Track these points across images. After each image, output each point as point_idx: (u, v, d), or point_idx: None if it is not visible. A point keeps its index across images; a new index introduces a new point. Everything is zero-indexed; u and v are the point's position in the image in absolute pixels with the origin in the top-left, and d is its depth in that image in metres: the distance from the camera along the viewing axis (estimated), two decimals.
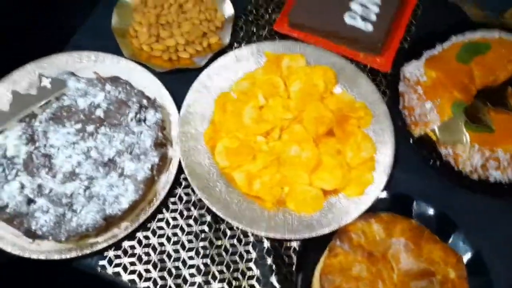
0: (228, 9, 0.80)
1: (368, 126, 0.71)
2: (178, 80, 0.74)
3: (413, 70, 0.72)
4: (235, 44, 0.79)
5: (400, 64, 0.75)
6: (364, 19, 0.76)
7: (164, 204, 0.67)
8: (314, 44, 0.77)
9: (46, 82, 0.69)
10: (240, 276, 0.64)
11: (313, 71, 0.73)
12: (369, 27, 0.76)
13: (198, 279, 0.63)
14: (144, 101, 0.68)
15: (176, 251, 0.65)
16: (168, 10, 0.79)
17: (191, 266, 0.64)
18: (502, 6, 0.80)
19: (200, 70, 0.74)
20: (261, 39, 0.80)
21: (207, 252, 0.65)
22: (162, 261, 0.64)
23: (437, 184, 0.68)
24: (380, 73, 0.77)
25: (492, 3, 0.80)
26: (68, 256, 0.61)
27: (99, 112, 0.67)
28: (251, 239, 0.65)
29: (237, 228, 0.66)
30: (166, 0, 0.80)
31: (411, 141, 0.70)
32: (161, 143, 0.67)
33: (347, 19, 0.76)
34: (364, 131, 0.70)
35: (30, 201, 0.61)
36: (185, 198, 0.68)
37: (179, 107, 0.71)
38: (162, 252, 0.65)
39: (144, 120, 0.67)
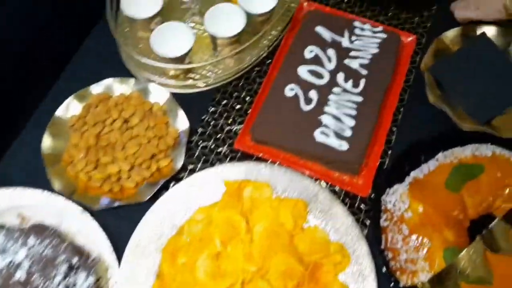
0: (182, 122, 0.69)
1: (345, 270, 0.60)
2: (120, 217, 0.63)
3: (396, 201, 0.62)
4: (190, 166, 0.68)
5: (382, 188, 0.64)
6: (337, 135, 0.66)
7: None
8: (281, 163, 0.67)
9: None
10: None
11: (281, 205, 0.62)
12: (343, 146, 0.65)
13: None
14: (75, 260, 0.56)
15: None
16: (111, 127, 0.68)
17: None
18: (491, 113, 0.71)
19: (146, 204, 0.63)
20: (220, 157, 0.69)
21: None
22: None
23: None
24: (359, 197, 0.66)
25: (480, 109, 0.71)
26: None
27: (20, 274, 0.55)
28: None
29: None
30: (109, 114, 0.69)
31: None
32: None
33: (318, 136, 0.66)
34: (341, 280, 0.59)
35: None
36: None
37: (121, 254, 0.59)
38: None
39: (74, 286, 0.55)
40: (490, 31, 0.76)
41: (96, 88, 0.71)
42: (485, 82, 0.73)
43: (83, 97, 0.71)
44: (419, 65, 0.74)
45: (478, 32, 0.77)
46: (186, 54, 0.69)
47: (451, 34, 0.76)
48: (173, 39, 0.69)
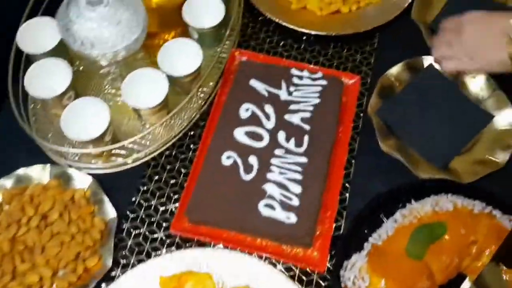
0: (109, 211, 0.61)
1: None
2: None
3: (355, 277, 0.55)
4: (122, 261, 0.60)
5: (340, 259, 0.58)
6: (284, 206, 0.59)
7: None
8: (225, 244, 0.59)
9: None
10: None
11: None
12: (291, 218, 0.58)
13: None
14: None
15: None
16: (27, 227, 0.59)
17: None
18: (447, 155, 0.65)
19: None
20: (156, 245, 0.61)
21: None
22: None
23: None
24: (316, 273, 0.60)
25: (435, 151, 0.65)
26: None
27: None
28: None
29: None
30: (23, 212, 0.60)
31: None
32: None
33: (263, 209, 0.59)
34: None
35: None
36: None
37: None
38: None
39: None
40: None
41: (7, 182, 0.62)
42: (437, 120, 0.68)
43: None
44: (366, 108, 0.69)
45: (425, 63, 0.72)
46: (105, 133, 0.61)
47: (396, 70, 0.71)
48: (87, 117, 0.61)
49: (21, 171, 0.63)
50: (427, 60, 0.71)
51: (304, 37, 0.76)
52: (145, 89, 0.63)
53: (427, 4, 0.78)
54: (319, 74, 0.68)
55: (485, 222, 0.58)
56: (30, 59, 0.67)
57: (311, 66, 0.72)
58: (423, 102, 0.69)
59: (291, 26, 0.75)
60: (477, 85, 0.70)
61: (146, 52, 0.70)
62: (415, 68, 0.72)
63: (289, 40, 0.76)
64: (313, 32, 0.75)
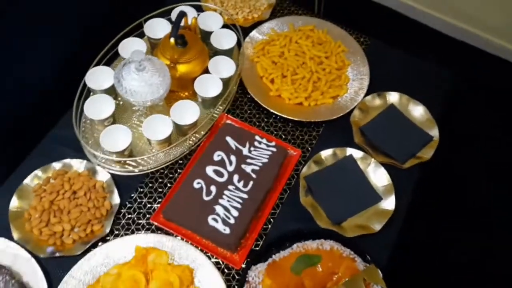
0: (115, 198, 0.95)
1: None
2: (59, 265, 0.87)
3: (255, 275, 0.87)
4: (116, 232, 0.93)
5: (251, 264, 0.90)
6: (224, 222, 0.91)
7: None
8: (182, 238, 0.92)
9: None
10: None
11: (173, 269, 0.87)
12: (227, 230, 0.91)
13: None
14: None
15: None
16: (62, 196, 0.93)
17: None
18: (343, 216, 0.97)
19: (79, 256, 0.87)
20: (139, 227, 0.94)
21: None
22: None
23: None
24: (234, 269, 0.91)
25: (336, 212, 0.97)
26: None
27: None
28: None
29: None
30: (61, 186, 0.94)
31: None
32: None
33: (210, 221, 0.92)
34: None
35: None
36: None
37: None
38: None
39: None
40: (356, 153, 1.04)
41: (57, 165, 0.97)
42: (344, 192, 1.00)
43: (46, 170, 0.96)
44: (299, 173, 1.01)
45: (348, 153, 1.04)
46: (126, 149, 0.95)
47: (327, 153, 1.04)
48: (117, 136, 0.95)
49: (67, 160, 0.98)
50: (349, 151, 1.05)
51: (273, 116, 1.10)
52: (157, 127, 0.97)
53: (364, 112, 1.12)
54: (273, 143, 1.02)
55: (347, 263, 0.89)
56: (90, 91, 1.02)
57: (271, 136, 1.06)
58: (337, 177, 1.01)
59: (266, 107, 1.09)
60: (378, 176, 1.03)
61: (165, 103, 1.05)
62: (340, 154, 1.05)
63: (262, 115, 1.10)
64: (280, 114, 1.08)
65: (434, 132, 1.09)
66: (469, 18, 2.07)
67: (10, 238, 0.88)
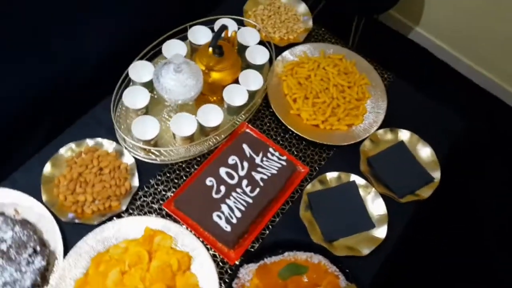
0: (135, 181, 1.05)
1: None
2: (76, 230, 0.98)
3: (246, 273, 0.96)
4: (130, 210, 1.03)
5: (244, 262, 0.99)
6: (227, 220, 1.01)
7: None
8: (187, 227, 1.01)
9: None
10: None
11: (175, 253, 0.96)
12: (228, 228, 1.00)
13: None
14: (38, 247, 0.91)
15: None
16: (90, 171, 1.04)
17: None
18: (336, 236, 1.05)
19: (95, 226, 0.98)
20: (151, 210, 1.04)
21: None
22: None
23: None
24: (228, 264, 1.01)
25: (330, 231, 1.05)
26: None
27: (3, 246, 0.90)
28: None
29: None
30: (91, 161, 1.05)
31: None
32: (38, 285, 0.89)
33: (215, 217, 1.01)
34: None
35: None
36: None
37: (67, 253, 0.94)
38: None
39: (33, 263, 0.90)
40: (359, 180, 1.12)
41: (90, 142, 1.08)
42: (341, 214, 1.08)
43: (80, 145, 1.07)
44: (303, 189, 1.10)
45: (351, 179, 1.13)
46: (153, 139, 1.05)
47: (331, 175, 1.12)
48: (146, 126, 1.06)
49: (99, 139, 1.09)
50: (353, 177, 1.13)
51: (290, 132, 1.19)
52: (184, 124, 1.07)
53: (375, 143, 1.20)
54: (284, 157, 1.11)
55: (331, 278, 0.97)
56: (131, 82, 1.13)
57: (284, 151, 1.15)
58: (337, 199, 1.09)
59: (284, 123, 1.18)
60: (375, 205, 1.10)
61: (194, 104, 1.15)
62: (344, 179, 1.13)
63: (279, 130, 1.20)
64: (296, 132, 1.17)
65: (436, 174, 1.16)
66: (494, 67, 2.13)
67: (39, 199, 0.99)
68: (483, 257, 1.81)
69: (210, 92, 1.16)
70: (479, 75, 2.19)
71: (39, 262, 0.90)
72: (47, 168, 1.03)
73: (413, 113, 1.27)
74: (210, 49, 1.09)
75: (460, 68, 2.22)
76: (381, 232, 1.07)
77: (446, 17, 2.13)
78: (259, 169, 1.08)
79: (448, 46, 2.21)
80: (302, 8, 1.41)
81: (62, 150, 1.06)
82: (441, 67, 2.26)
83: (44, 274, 0.91)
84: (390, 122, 1.22)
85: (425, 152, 1.19)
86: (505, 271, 1.78)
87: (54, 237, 0.96)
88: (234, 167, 1.08)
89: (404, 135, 1.21)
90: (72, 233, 0.98)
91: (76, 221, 0.99)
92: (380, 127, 1.21)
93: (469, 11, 2.03)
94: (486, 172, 2.02)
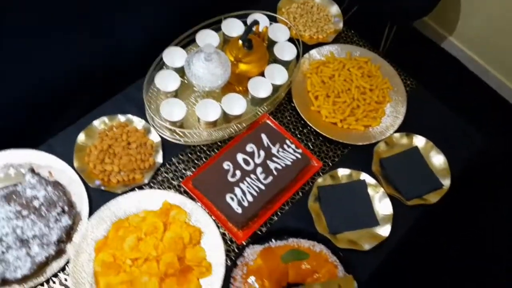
0: (159, 158, 1.14)
1: (205, 278, 1.01)
2: (101, 196, 1.07)
3: (251, 253, 1.03)
4: (151, 184, 1.12)
5: (250, 243, 1.06)
6: (239, 203, 1.08)
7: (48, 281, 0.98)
8: (202, 204, 1.09)
9: (11, 171, 1.03)
10: None
11: (188, 227, 1.04)
12: (239, 209, 1.07)
13: None
14: (66, 208, 1.01)
15: None
16: (119, 144, 1.13)
17: None
18: (341, 229, 1.11)
19: (119, 195, 1.07)
20: (171, 186, 1.12)
21: None
22: None
23: None
24: (236, 243, 1.08)
25: (336, 224, 1.11)
26: None
27: (36, 203, 1.00)
28: None
29: None
30: (120, 135, 1.14)
31: None
32: (63, 241, 0.99)
33: (228, 198, 1.08)
34: (199, 281, 1.01)
35: None
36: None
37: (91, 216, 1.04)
38: None
39: (60, 221, 0.99)
40: (369, 180, 1.17)
41: (121, 117, 1.17)
42: (347, 209, 1.13)
43: (112, 119, 1.17)
44: (314, 181, 1.16)
45: (361, 177, 1.18)
46: (179, 121, 1.13)
47: (343, 172, 1.18)
48: (174, 108, 1.14)
49: (129, 116, 1.18)
50: (364, 176, 1.18)
51: (308, 127, 1.25)
52: (209, 110, 1.15)
53: (389, 146, 1.24)
54: (300, 150, 1.17)
55: (330, 267, 1.03)
56: (163, 66, 1.21)
57: (300, 144, 1.21)
58: (346, 195, 1.15)
59: (304, 118, 1.24)
60: (382, 204, 1.15)
61: (221, 92, 1.23)
62: (355, 176, 1.18)
63: (298, 124, 1.26)
64: (314, 127, 1.23)
65: (446, 182, 1.19)
66: None
67: (71, 165, 1.09)
68: (488, 261, 1.83)
69: (237, 82, 1.23)
70: (508, 89, 2.18)
71: (66, 220, 1.00)
72: (81, 137, 1.13)
73: (431, 121, 1.30)
74: (240, 42, 1.16)
75: (490, 81, 2.22)
76: (384, 230, 1.11)
77: (480, 28, 2.13)
78: (274, 158, 1.15)
79: (480, 58, 2.21)
80: (335, 9, 1.46)
81: (96, 123, 1.15)
82: (470, 79, 2.26)
83: (69, 232, 1.00)
84: (407, 127, 1.26)
85: (438, 159, 1.23)
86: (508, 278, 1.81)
87: (81, 200, 1.05)
88: (251, 154, 1.15)
89: (420, 141, 1.25)
90: (98, 198, 1.07)
91: (102, 188, 1.08)
92: (396, 131, 1.25)
93: (504, 24, 2.03)
94: (499, 188, 2.02)
